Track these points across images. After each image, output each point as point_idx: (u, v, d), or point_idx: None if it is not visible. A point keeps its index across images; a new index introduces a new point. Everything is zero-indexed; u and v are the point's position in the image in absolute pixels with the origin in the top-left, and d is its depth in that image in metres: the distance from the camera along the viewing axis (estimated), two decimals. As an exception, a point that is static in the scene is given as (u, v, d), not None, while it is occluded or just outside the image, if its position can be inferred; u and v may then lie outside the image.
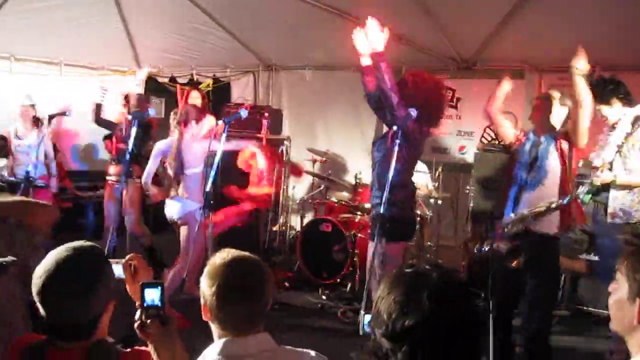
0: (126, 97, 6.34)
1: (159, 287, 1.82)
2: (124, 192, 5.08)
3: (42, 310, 1.85)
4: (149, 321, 1.80)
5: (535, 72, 6.70)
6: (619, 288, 1.77)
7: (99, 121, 6.51)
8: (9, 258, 2.06)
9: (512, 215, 3.89)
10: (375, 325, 1.40)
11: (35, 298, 1.85)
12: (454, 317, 1.36)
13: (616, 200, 4.27)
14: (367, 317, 2.22)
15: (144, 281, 1.88)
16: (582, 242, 5.39)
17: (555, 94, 4.06)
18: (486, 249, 3.84)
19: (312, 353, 2.06)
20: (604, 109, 4.38)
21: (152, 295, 1.81)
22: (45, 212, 2.93)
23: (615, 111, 4.38)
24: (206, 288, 1.96)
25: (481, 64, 6.96)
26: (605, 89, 4.36)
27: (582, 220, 4.26)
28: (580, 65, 3.69)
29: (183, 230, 5.46)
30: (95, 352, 1.85)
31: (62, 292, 1.82)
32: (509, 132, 4.16)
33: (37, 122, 6.62)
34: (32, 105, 6.75)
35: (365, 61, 4.19)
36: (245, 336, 1.96)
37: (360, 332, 2.23)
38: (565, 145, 3.86)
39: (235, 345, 1.94)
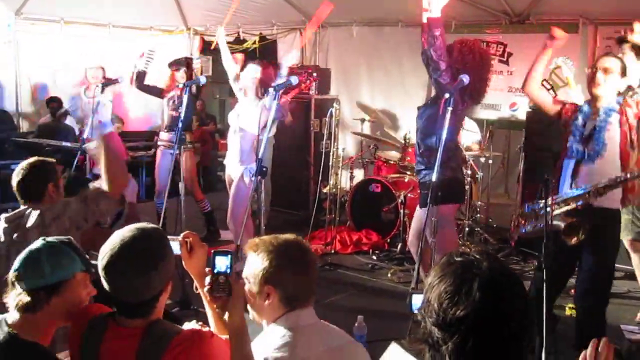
0: (188, 63, 6.25)
1: (229, 256, 1.91)
2: (180, 160, 5.13)
3: (106, 286, 1.94)
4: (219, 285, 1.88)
5: (590, 24, 6.44)
6: None
7: (142, 87, 6.41)
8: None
9: (570, 190, 3.63)
10: (426, 314, 1.42)
11: (100, 273, 1.93)
12: (504, 307, 1.37)
13: None
14: (415, 298, 2.23)
15: (216, 250, 1.96)
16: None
17: (626, 50, 3.82)
18: (538, 208, 3.69)
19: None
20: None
21: (222, 263, 1.90)
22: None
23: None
24: (267, 264, 1.97)
25: (534, 18, 6.73)
26: None
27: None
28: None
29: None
30: (152, 330, 1.93)
31: (126, 269, 1.91)
32: (550, 107, 3.88)
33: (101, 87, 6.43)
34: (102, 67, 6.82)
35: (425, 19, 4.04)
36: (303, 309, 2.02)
37: (408, 310, 2.26)
38: (631, 110, 3.57)
39: (297, 316, 2.00)
